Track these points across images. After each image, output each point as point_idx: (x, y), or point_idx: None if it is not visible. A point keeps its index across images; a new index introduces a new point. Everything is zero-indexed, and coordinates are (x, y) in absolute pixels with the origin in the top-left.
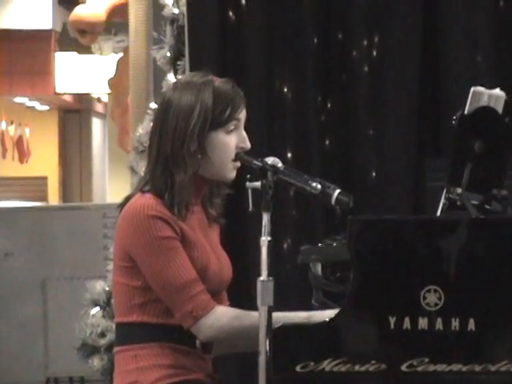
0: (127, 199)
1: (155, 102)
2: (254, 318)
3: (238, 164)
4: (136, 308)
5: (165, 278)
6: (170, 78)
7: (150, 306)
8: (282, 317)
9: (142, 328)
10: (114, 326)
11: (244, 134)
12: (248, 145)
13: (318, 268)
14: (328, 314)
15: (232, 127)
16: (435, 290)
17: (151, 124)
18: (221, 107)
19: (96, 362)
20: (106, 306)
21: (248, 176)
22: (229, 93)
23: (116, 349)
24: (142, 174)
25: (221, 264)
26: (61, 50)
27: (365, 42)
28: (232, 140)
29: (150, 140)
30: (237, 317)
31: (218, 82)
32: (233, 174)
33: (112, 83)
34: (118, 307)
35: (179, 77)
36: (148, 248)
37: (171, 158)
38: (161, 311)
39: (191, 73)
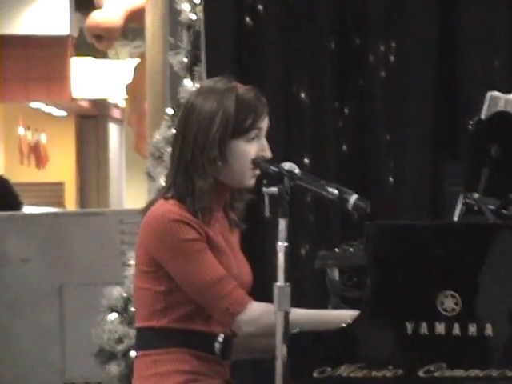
0: (150, 205)
1: (172, 108)
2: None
3: (258, 172)
4: (157, 313)
5: (197, 279)
6: (187, 83)
7: (172, 311)
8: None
9: (162, 333)
10: (130, 332)
11: (265, 142)
12: (269, 154)
13: (335, 273)
14: (346, 314)
15: (253, 135)
16: (452, 296)
17: (173, 129)
18: (243, 115)
19: (113, 368)
20: (123, 311)
21: (265, 181)
22: (252, 101)
23: (135, 354)
24: (160, 179)
25: (240, 270)
26: (77, 55)
27: (382, 47)
28: (252, 148)
29: (172, 145)
30: (273, 311)
31: (241, 89)
32: (252, 181)
33: (129, 89)
34: (139, 312)
35: (196, 82)
36: (175, 252)
37: (191, 163)
38: (182, 316)
39: (215, 78)
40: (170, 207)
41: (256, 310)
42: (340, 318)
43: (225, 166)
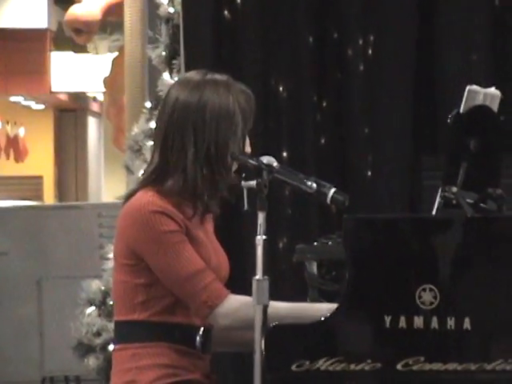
0: (130, 195)
1: (150, 101)
2: (270, 307)
3: (236, 165)
4: (138, 306)
5: (175, 271)
6: (166, 76)
7: (153, 303)
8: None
9: (143, 327)
10: (109, 326)
11: (248, 140)
12: (249, 150)
13: (314, 267)
14: (324, 307)
15: (245, 133)
16: (431, 289)
17: (163, 123)
18: (250, 113)
19: (91, 361)
20: (101, 305)
21: (243, 175)
22: (251, 102)
23: (114, 347)
24: (139, 172)
25: (219, 260)
26: (56, 49)
27: (360, 41)
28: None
29: (167, 138)
30: (251, 305)
31: (240, 86)
32: (233, 175)
33: (107, 82)
34: (120, 305)
35: (175, 76)
36: (154, 244)
37: (216, 159)
38: (163, 309)
39: (204, 71)
40: (149, 198)
41: (233, 303)
42: (319, 311)
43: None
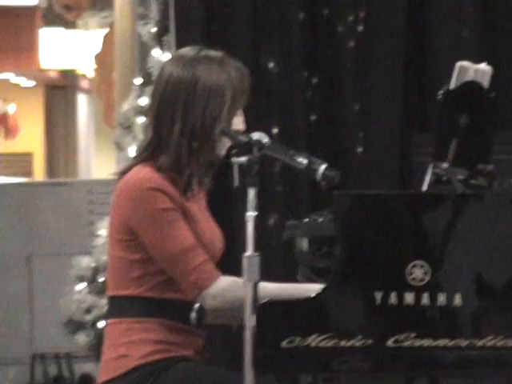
0: (125, 171)
1: (141, 77)
2: (259, 288)
3: (229, 142)
4: (134, 281)
5: (168, 249)
6: (155, 53)
7: (149, 279)
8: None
9: (138, 302)
10: (99, 302)
11: (242, 117)
12: (243, 127)
13: (304, 243)
14: (315, 288)
15: (239, 111)
16: (421, 265)
17: (156, 98)
18: (242, 90)
19: (82, 338)
20: (91, 281)
21: (234, 151)
22: (245, 80)
23: (108, 321)
24: (129, 149)
25: (213, 236)
26: (46, 25)
27: (350, 18)
28: (237, 122)
29: (160, 114)
30: (240, 286)
31: (234, 63)
32: (224, 152)
33: (98, 59)
34: (114, 280)
35: (165, 52)
36: (149, 220)
37: (201, 135)
38: (158, 285)
39: (198, 47)
40: (147, 174)
41: (223, 285)
42: (309, 291)
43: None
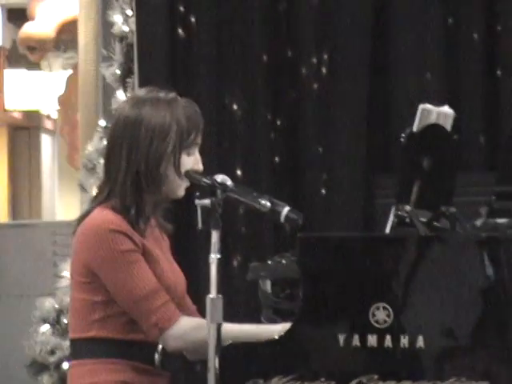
0: (85, 214)
1: (104, 120)
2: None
3: (189, 183)
4: (95, 324)
5: (128, 291)
6: (119, 95)
7: (111, 320)
8: (237, 331)
9: (100, 343)
10: (63, 344)
11: (198, 156)
12: (201, 167)
13: (268, 285)
14: (278, 328)
15: (192, 150)
16: (384, 308)
17: (109, 140)
18: (190, 129)
19: (46, 380)
20: (55, 323)
21: (197, 194)
22: (195, 116)
23: (70, 363)
24: (93, 191)
25: (175, 277)
26: (10, 66)
27: (314, 60)
28: (190, 162)
29: (108, 156)
30: (201, 327)
31: (183, 102)
32: (183, 192)
33: (61, 100)
34: (76, 323)
35: (129, 94)
36: (110, 262)
37: (144, 176)
38: (121, 326)
39: (151, 88)
40: (107, 217)
41: (184, 326)
42: (272, 332)
43: (172, 179)
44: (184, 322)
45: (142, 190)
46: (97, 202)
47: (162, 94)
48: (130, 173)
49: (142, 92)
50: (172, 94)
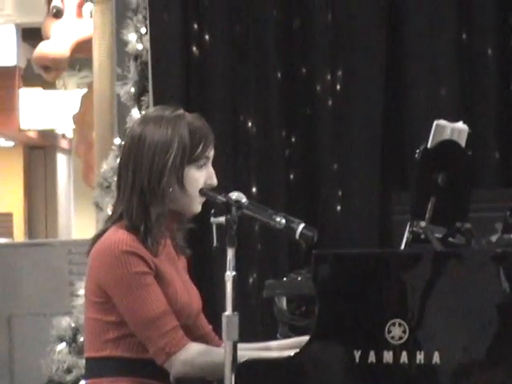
0: (99, 235)
1: (120, 138)
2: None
3: (203, 199)
4: (110, 343)
5: (138, 313)
6: (134, 113)
7: (124, 340)
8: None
9: (115, 362)
10: (79, 362)
11: (212, 170)
12: (215, 181)
13: (283, 302)
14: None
15: (202, 163)
16: (400, 324)
17: (119, 159)
18: (195, 143)
19: None
20: (71, 342)
21: (212, 211)
22: (202, 129)
23: (86, 382)
24: (108, 209)
25: (190, 296)
26: (25, 86)
27: (328, 76)
28: (202, 175)
29: (119, 174)
30: (208, 353)
31: (190, 117)
32: (199, 208)
33: (76, 119)
34: (91, 342)
35: (147, 111)
36: (122, 284)
37: (148, 190)
38: (135, 346)
39: (160, 106)
40: (121, 237)
41: (192, 351)
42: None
43: (180, 192)
44: (191, 348)
45: (148, 207)
46: (111, 221)
47: (167, 112)
48: (135, 191)
49: (151, 111)
50: (179, 111)
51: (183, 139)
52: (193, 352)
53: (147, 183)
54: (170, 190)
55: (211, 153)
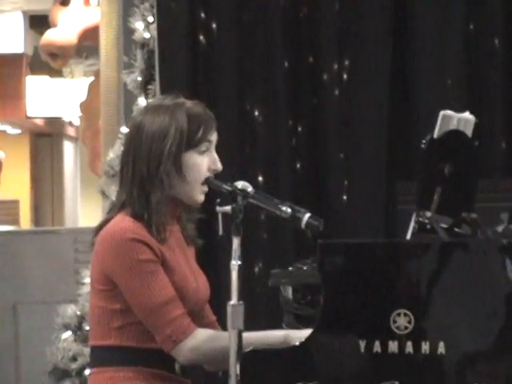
0: (104, 223)
1: (126, 126)
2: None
3: (206, 188)
4: (114, 331)
5: (145, 301)
6: (141, 101)
7: (129, 329)
8: (258, 337)
9: (120, 351)
10: (85, 350)
11: (215, 155)
12: (219, 166)
13: (289, 291)
14: (303, 334)
15: (204, 148)
16: (405, 314)
17: (122, 148)
18: (194, 128)
19: None
20: (77, 330)
21: (218, 200)
22: (201, 114)
23: (91, 371)
24: (114, 197)
25: (198, 283)
26: (32, 73)
27: (335, 66)
28: (204, 161)
29: (121, 163)
30: (216, 339)
31: (189, 103)
32: (201, 198)
33: (83, 107)
34: (96, 330)
35: (150, 101)
36: (128, 271)
37: (147, 178)
38: (139, 335)
39: (161, 96)
40: (127, 224)
41: (199, 338)
42: (288, 338)
43: (179, 179)
44: (198, 335)
45: (148, 195)
46: (114, 210)
47: (166, 100)
48: (136, 180)
49: (154, 99)
50: (178, 99)
51: (181, 125)
52: (200, 339)
53: (146, 171)
54: (169, 176)
55: (213, 137)
